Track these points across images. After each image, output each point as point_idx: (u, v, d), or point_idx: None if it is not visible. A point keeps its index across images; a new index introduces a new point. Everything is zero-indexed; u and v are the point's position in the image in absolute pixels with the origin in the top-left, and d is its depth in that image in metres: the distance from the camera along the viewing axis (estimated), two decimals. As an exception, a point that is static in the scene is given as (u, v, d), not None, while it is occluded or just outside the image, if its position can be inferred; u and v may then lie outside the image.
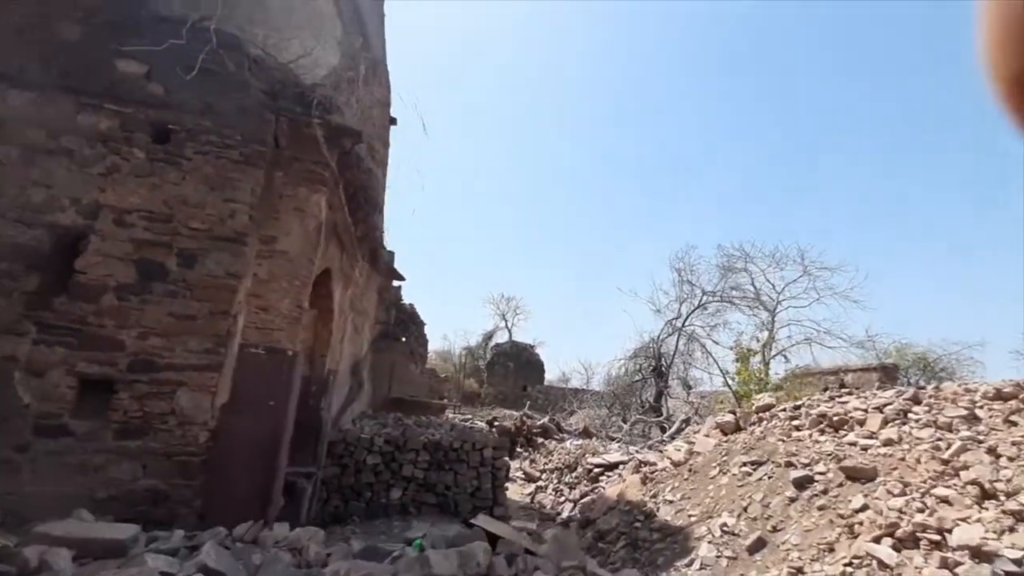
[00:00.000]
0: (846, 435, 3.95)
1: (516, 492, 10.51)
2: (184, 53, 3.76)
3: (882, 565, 2.60)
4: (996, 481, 2.70)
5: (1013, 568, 2.16)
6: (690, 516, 4.21)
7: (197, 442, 3.39)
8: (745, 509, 3.80)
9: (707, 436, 5.54)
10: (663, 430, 13.22)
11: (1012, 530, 2.36)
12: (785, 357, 16.35)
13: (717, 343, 17.51)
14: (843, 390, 6.51)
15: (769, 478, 4.00)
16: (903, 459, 3.34)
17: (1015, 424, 3.19)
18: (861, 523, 3.00)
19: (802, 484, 3.63)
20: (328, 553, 2.49)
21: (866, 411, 4.13)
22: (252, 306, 3.84)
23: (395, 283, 23.93)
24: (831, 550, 2.97)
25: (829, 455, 3.75)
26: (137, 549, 2.23)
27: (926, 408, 3.73)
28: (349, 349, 10.89)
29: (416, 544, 2.75)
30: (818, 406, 4.76)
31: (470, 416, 17.40)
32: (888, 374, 10.56)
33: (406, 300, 24.37)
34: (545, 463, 12.12)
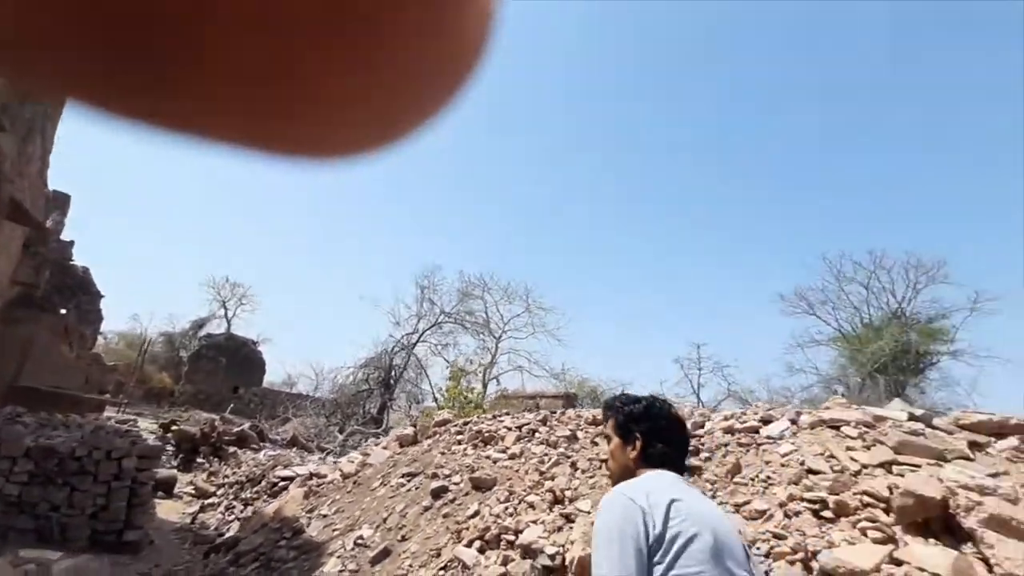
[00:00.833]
0: (488, 450, 4.44)
1: (177, 511, 8.82)
2: None
3: (464, 567, 2.87)
4: (567, 489, 3.33)
5: (548, 562, 2.63)
6: (334, 530, 4.07)
7: None
8: (384, 520, 3.85)
9: (385, 448, 5.58)
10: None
11: (560, 529, 2.89)
12: (498, 381, 18.49)
13: (447, 361, 18.66)
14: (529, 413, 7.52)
15: (416, 489, 4.17)
16: (517, 471, 3.88)
17: (597, 444, 4.05)
18: (468, 528, 3.30)
19: (438, 494, 3.88)
20: None
21: (510, 429, 4.75)
22: None
23: (65, 238, 18.35)
24: (438, 555, 3.18)
25: (467, 467, 4.13)
26: None
27: (548, 428, 4.50)
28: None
29: None
30: (481, 423, 5.28)
31: (132, 417, 14.19)
32: (569, 401, 12.72)
33: (79, 262, 18.89)
34: (227, 476, 10.57)
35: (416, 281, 19.69)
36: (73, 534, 5.80)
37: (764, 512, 2.66)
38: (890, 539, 2.29)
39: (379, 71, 0.12)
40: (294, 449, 12.81)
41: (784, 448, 3.20)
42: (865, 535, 2.33)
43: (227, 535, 7.19)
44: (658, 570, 1.05)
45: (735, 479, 3.01)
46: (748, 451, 3.35)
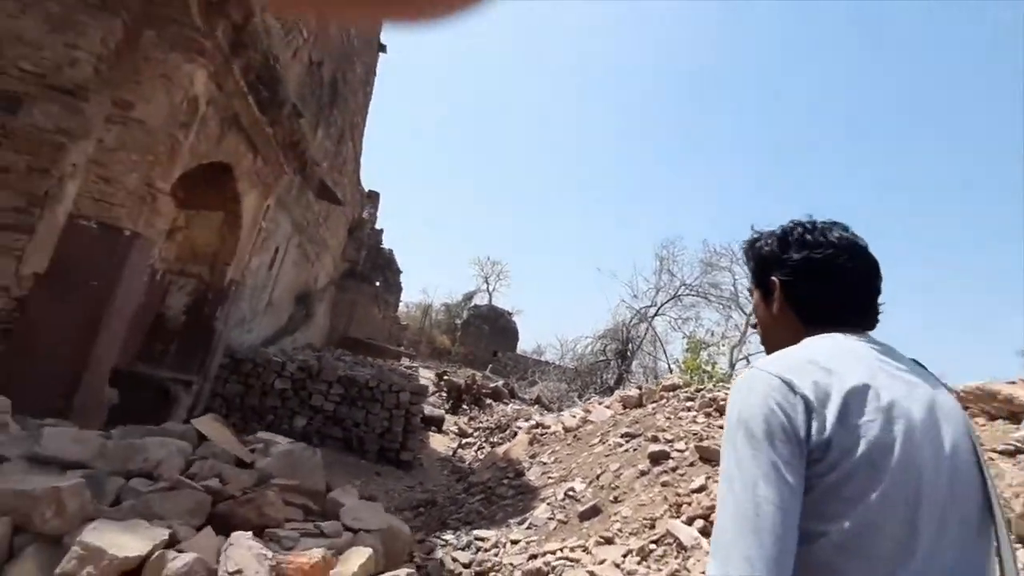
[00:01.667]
0: (722, 419, 3.64)
1: (442, 444, 10.33)
2: None
3: (681, 547, 2.29)
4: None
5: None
6: (549, 478, 3.93)
7: (-11, 306, 3.03)
8: (598, 477, 3.51)
9: (607, 407, 5.24)
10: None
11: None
12: (748, 361, 16.19)
13: (687, 336, 17.29)
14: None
15: (634, 451, 3.70)
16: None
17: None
18: (691, 503, 2.69)
19: (657, 459, 3.33)
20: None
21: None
22: (92, 175, 3.41)
23: (377, 227, 23.29)
24: (652, 526, 2.67)
25: (694, 434, 3.43)
26: None
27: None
28: (292, 274, 10.51)
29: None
30: (717, 391, 4.44)
31: (417, 366, 17.21)
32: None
33: (386, 246, 23.79)
34: (481, 422, 11.98)
35: (655, 252, 18.68)
36: (367, 447, 7.26)
37: None
38: None
39: None
40: (536, 407, 13.67)
41: None
42: None
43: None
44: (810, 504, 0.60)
45: None
46: None
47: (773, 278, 0.82)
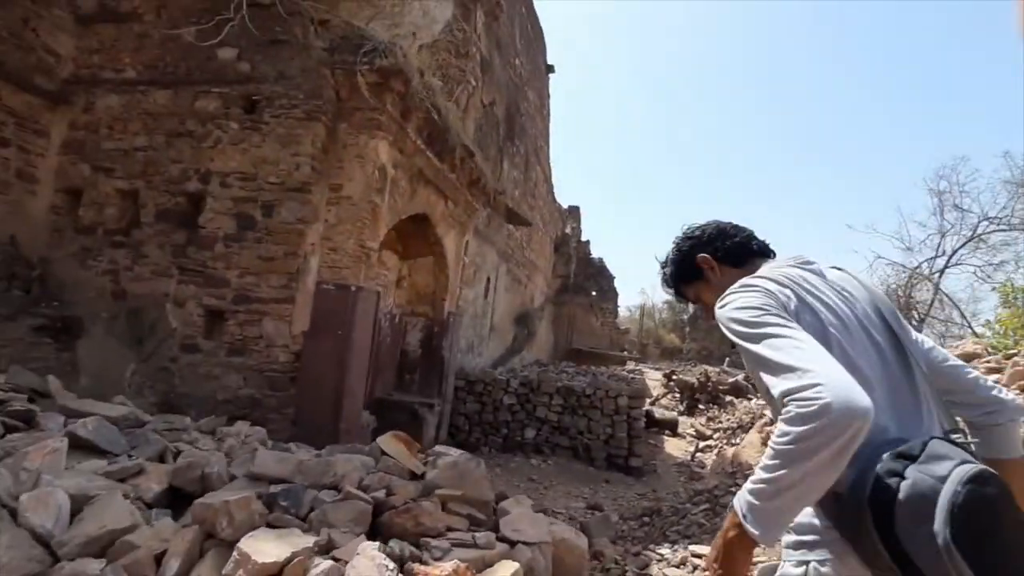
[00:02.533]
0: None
1: (680, 448, 9.72)
2: (261, 27, 4.33)
3: None
4: None
5: None
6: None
7: (279, 361, 4.07)
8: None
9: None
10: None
11: None
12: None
13: (999, 286, 12.74)
14: None
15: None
16: None
17: None
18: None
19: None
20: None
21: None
22: (325, 248, 4.33)
23: (583, 239, 23.86)
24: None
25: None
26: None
27: None
28: (507, 298, 11.45)
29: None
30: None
31: (644, 368, 16.63)
32: None
33: (595, 254, 24.10)
34: (721, 422, 10.90)
35: (928, 187, 14.43)
36: (594, 454, 7.28)
37: None
38: None
39: None
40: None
41: None
42: None
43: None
44: None
45: None
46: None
47: (703, 255, 1.22)
